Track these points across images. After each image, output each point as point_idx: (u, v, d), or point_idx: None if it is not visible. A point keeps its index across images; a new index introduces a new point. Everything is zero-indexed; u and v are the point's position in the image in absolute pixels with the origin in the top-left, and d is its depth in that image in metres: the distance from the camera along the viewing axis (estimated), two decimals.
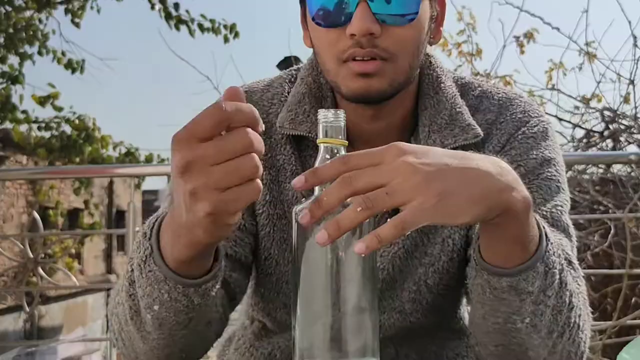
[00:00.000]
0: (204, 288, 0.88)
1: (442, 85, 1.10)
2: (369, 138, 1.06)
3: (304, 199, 0.79)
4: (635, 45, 5.11)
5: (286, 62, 5.14)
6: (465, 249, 1.08)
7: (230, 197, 0.71)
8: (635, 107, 5.14)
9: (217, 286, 0.91)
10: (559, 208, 1.04)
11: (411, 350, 1.13)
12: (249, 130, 0.71)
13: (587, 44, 5.53)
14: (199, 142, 0.70)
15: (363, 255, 0.71)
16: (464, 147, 1.02)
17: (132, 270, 0.90)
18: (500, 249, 0.85)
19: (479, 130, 1.06)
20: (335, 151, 0.78)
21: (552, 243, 0.87)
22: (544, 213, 1.01)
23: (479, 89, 1.14)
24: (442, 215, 0.72)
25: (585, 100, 5.41)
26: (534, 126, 1.09)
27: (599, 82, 5.61)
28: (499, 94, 1.13)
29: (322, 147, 0.78)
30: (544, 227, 0.87)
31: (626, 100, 5.15)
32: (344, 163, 0.73)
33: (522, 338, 0.91)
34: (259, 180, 0.72)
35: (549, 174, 1.05)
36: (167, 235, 0.84)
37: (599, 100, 5.39)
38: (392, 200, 0.71)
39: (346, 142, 0.78)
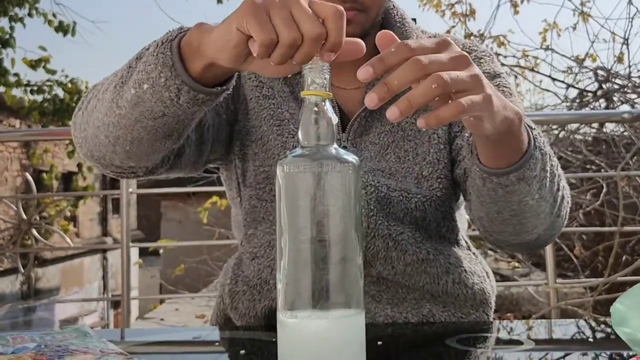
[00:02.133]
0: (195, 95, 0.93)
1: (407, 20, 1.33)
2: (340, 63, 1.18)
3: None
4: (630, 3, 5.08)
5: None
6: (449, 143, 1.26)
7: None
8: (629, 67, 5.14)
9: (207, 106, 0.97)
10: (516, 105, 1.21)
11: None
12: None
13: (582, 3, 5.51)
14: None
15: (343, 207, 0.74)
16: None
17: (149, 48, 0.97)
18: (503, 156, 0.97)
19: None
20: (320, 103, 0.78)
21: (534, 128, 1.00)
22: None
23: (431, 34, 1.37)
24: (489, 111, 0.80)
25: (579, 60, 5.40)
26: (482, 51, 1.33)
27: (593, 42, 5.61)
28: (448, 36, 1.39)
29: (307, 99, 0.78)
30: (524, 117, 0.97)
31: (620, 59, 5.14)
32: (410, 50, 0.76)
33: (534, 211, 1.06)
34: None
35: (500, 83, 1.26)
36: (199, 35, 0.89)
37: (593, 60, 5.38)
38: (462, 85, 0.75)
39: (331, 95, 0.78)
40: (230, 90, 0.98)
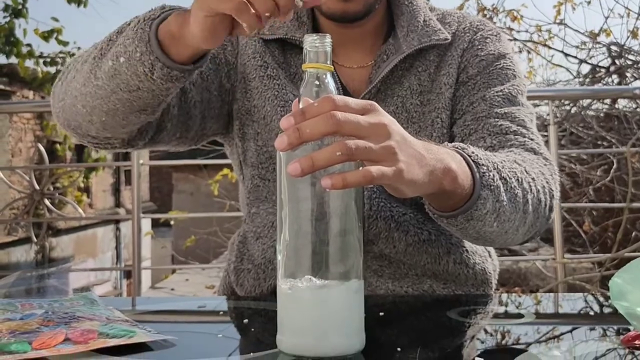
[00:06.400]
0: (168, 71, 0.97)
1: None
2: (346, 42, 1.26)
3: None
4: None
5: None
6: (451, 126, 1.25)
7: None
8: None
9: (181, 82, 1.01)
10: (516, 88, 1.25)
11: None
12: None
13: None
14: None
15: (327, 189, 0.74)
16: (436, 46, 1.26)
17: (130, 23, 1.02)
18: (445, 204, 0.98)
19: (447, 34, 1.27)
20: (321, 76, 0.78)
21: (481, 165, 0.97)
22: (504, 91, 1.23)
23: (440, 10, 1.35)
24: (401, 183, 0.79)
25: (593, 36, 5.35)
26: (489, 30, 1.32)
27: (607, 17, 5.56)
28: (456, 13, 1.36)
29: (307, 71, 0.78)
30: (470, 156, 0.97)
31: (634, 35, 5.08)
32: (333, 105, 0.74)
33: (498, 233, 1.05)
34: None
35: (504, 64, 1.27)
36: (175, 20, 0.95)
37: (607, 35, 5.33)
38: (370, 155, 0.75)
39: (332, 68, 0.78)
40: (203, 66, 1.03)
